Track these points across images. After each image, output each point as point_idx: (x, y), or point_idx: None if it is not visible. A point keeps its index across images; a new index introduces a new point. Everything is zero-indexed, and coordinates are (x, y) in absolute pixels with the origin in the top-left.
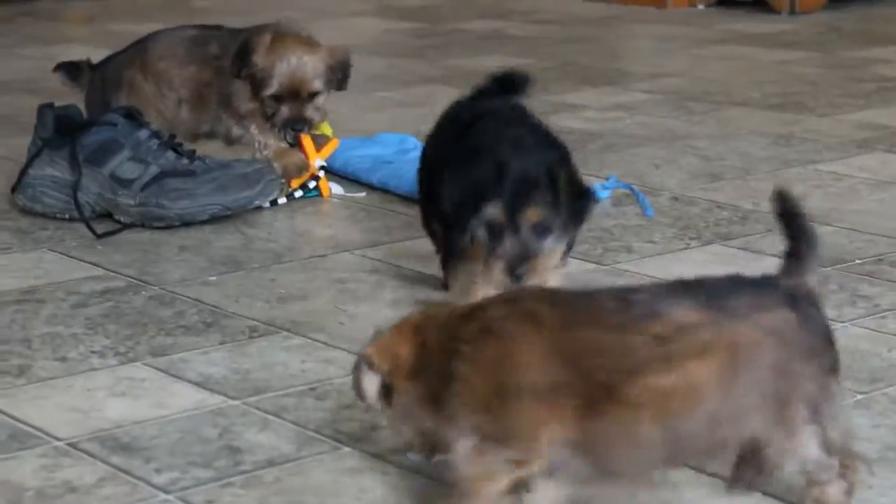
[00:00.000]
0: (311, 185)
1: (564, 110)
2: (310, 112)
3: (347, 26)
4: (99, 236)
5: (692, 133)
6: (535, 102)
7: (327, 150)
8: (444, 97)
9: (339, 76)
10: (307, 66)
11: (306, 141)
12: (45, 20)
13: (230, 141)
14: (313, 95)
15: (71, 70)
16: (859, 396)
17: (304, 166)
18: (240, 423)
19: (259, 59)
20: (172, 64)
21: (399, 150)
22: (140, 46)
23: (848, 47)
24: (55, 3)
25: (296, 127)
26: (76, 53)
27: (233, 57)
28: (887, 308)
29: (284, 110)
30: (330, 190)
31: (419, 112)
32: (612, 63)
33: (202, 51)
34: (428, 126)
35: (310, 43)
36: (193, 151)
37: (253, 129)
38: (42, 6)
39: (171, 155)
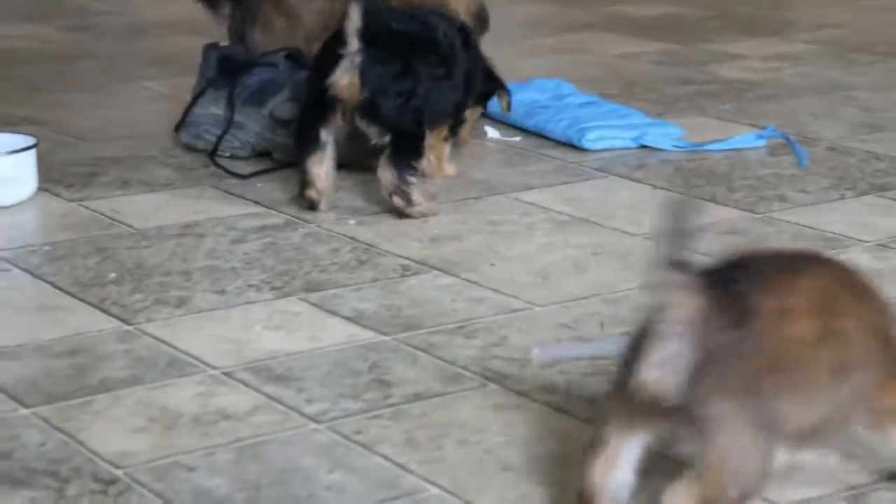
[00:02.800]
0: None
1: (725, 59)
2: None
3: None
4: (244, 177)
5: (853, 84)
6: (694, 51)
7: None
8: (600, 43)
9: (479, 24)
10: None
11: None
12: None
13: None
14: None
15: (211, 1)
16: None
17: None
18: (390, 358)
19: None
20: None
21: (554, 95)
22: None
23: None
24: None
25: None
26: None
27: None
28: None
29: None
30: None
31: (575, 58)
32: (774, 12)
33: None
34: (584, 72)
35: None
36: None
37: None
38: None
39: None
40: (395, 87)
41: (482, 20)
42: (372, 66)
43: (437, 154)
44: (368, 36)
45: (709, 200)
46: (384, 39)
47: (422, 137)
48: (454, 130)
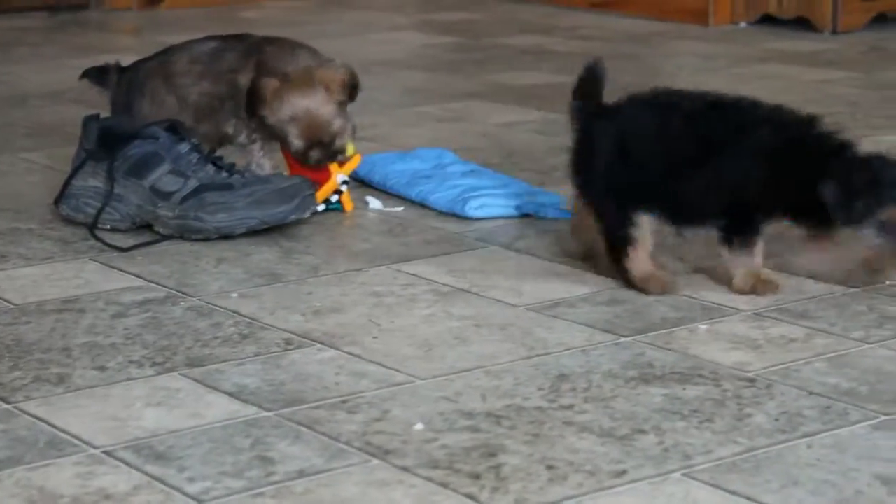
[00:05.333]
0: (334, 198)
1: None
2: (338, 144)
3: (388, 40)
4: (124, 250)
5: None
6: None
7: (350, 165)
8: (482, 112)
9: (351, 97)
10: (323, 112)
11: None
12: (93, 31)
13: (241, 145)
14: (335, 134)
15: (97, 74)
16: (883, 418)
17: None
18: (272, 435)
19: (269, 111)
20: (189, 79)
21: (437, 164)
22: (164, 57)
23: (889, 67)
24: (104, 14)
25: (321, 163)
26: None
27: (245, 103)
28: None
29: (314, 154)
30: (353, 204)
31: (458, 127)
32: (653, 80)
33: (218, 65)
34: (466, 141)
35: (313, 84)
36: (233, 165)
37: (256, 146)
38: (91, 16)
39: (210, 168)
40: None
41: (353, 89)
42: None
43: None
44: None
45: (589, 270)
46: None
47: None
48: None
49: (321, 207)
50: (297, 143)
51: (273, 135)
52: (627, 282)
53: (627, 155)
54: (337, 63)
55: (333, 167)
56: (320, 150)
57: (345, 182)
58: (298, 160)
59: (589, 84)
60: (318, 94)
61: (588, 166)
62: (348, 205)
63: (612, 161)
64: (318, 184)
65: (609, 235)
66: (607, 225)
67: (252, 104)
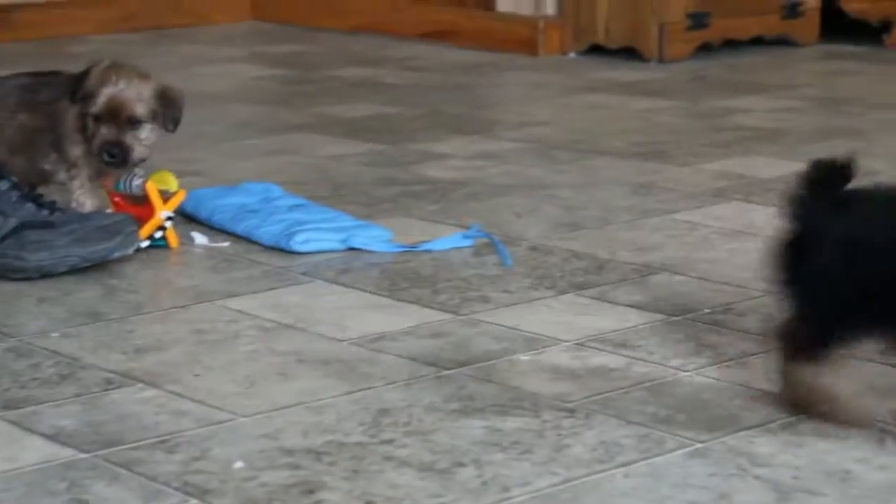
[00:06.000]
0: (158, 235)
1: (430, 159)
2: (129, 139)
3: (219, 73)
4: None
5: (555, 182)
6: (401, 151)
7: (174, 201)
8: (310, 145)
9: (168, 113)
10: (131, 90)
11: (152, 191)
12: None
13: (60, 183)
14: (135, 122)
15: None
16: (698, 445)
17: None
18: (89, 477)
19: (91, 82)
20: (3, 112)
21: (263, 198)
22: None
23: (712, 96)
24: None
25: (112, 152)
26: None
27: (71, 83)
28: (731, 357)
29: (104, 132)
30: (178, 240)
31: (285, 160)
32: (481, 111)
33: (33, 97)
34: (294, 174)
35: (143, 75)
36: (54, 202)
37: (76, 183)
38: None
39: (30, 206)
40: None
41: (173, 110)
42: None
43: None
44: None
45: (413, 303)
46: None
47: None
48: None
49: (145, 244)
50: (95, 107)
51: (84, 164)
52: (798, 396)
53: (861, 263)
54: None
55: (158, 203)
56: (110, 130)
57: (169, 218)
58: (89, 140)
59: (829, 175)
60: (139, 80)
61: (801, 267)
62: (173, 241)
63: (839, 268)
64: (141, 220)
65: (804, 343)
66: (809, 334)
67: (78, 81)
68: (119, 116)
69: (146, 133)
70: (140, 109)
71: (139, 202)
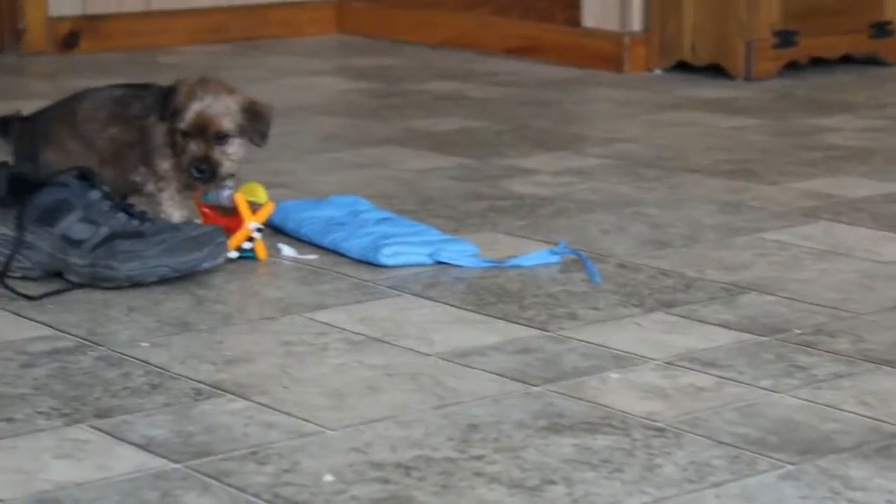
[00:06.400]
0: (246, 246)
1: (517, 174)
2: (217, 154)
3: (306, 85)
4: (34, 298)
5: (642, 199)
6: (488, 166)
7: (263, 213)
8: (397, 159)
9: (256, 128)
10: (218, 105)
11: (241, 202)
12: (7, 74)
13: (149, 194)
14: (222, 137)
15: (1, 124)
16: (790, 467)
17: None
18: (180, 487)
19: (179, 98)
20: (95, 125)
21: (351, 211)
22: (68, 105)
23: (799, 115)
24: (19, 58)
25: (201, 167)
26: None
27: (160, 100)
28: (822, 379)
29: (192, 148)
30: (266, 252)
31: (372, 174)
32: (567, 127)
33: (124, 111)
34: (381, 187)
35: (230, 89)
36: (144, 212)
37: (164, 195)
38: (4, 60)
39: (122, 216)
40: None
41: (261, 124)
42: None
43: None
44: None
45: (500, 318)
46: None
47: None
48: None
49: (234, 255)
50: (183, 122)
51: (172, 177)
52: None
53: None
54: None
55: (246, 214)
56: (198, 145)
57: (258, 230)
58: (178, 155)
59: None
60: (227, 95)
61: None
62: (261, 252)
63: None
64: (230, 231)
65: None
66: None
67: (166, 98)
68: (206, 132)
69: (234, 148)
70: (227, 124)
71: (228, 213)
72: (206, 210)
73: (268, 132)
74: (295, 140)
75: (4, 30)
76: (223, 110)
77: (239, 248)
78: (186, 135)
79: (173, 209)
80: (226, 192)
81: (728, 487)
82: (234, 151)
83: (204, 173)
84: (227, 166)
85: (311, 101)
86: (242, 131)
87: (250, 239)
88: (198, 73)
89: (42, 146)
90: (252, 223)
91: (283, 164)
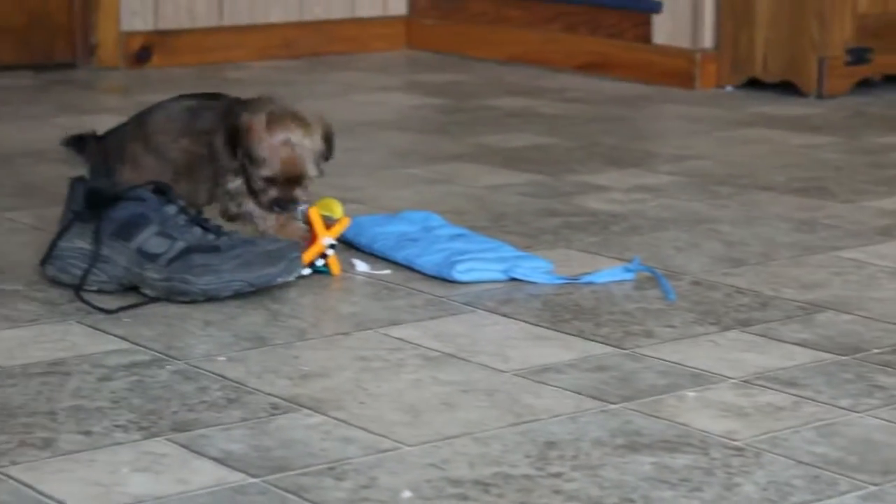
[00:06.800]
0: (320, 263)
1: (589, 191)
2: (299, 193)
3: (374, 101)
4: (111, 312)
5: (716, 217)
6: (560, 182)
7: (337, 228)
8: (469, 175)
9: (327, 153)
10: (304, 151)
11: (315, 217)
12: (80, 89)
13: (229, 217)
14: (306, 178)
15: (76, 143)
16: (872, 488)
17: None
18: (259, 502)
19: (255, 142)
20: (168, 137)
21: (424, 227)
22: (140, 119)
23: (873, 133)
24: (91, 73)
25: (284, 207)
26: (110, 123)
27: (226, 137)
28: None
29: (274, 192)
30: (340, 267)
31: (444, 189)
32: (638, 144)
33: (193, 123)
34: (453, 203)
35: (304, 125)
36: (220, 227)
37: (251, 205)
38: (78, 75)
39: (197, 231)
40: None
41: (328, 141)
42: None
43: None
44: None
45: (575, 335)
46: None
47: None
48: None
49: (307, 272)
50: (269, 171)
51: (247, 177)
52: None
53: None
54: (315, 115)
55: (320, 230)
56: (282, 189)
57: (332, 245)
58: (253, 193)
59: None
60: (307, 136)
61: None
62: (335, 268)
63: None
64: (305, 246)
65: None
66: None
67: (235, 138)
68: (291, 178)
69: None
70: (312, 169)
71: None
72: None
73: (333, 150)
74: (365, 156)
75: (77, 45)
76: (309, 155)
77: (312, 264)
78: (270, 181)
79: (264, 219)
80: (301, 208)
81: None
82: (310, 184)
83: (285, 209)
84: (305, 198)
85: (380, 116)
86: (319, 164)
87: (324, 255)
88: (261, 95)
89: (117, 165)
90: (326, 239)
91: (354, 180)
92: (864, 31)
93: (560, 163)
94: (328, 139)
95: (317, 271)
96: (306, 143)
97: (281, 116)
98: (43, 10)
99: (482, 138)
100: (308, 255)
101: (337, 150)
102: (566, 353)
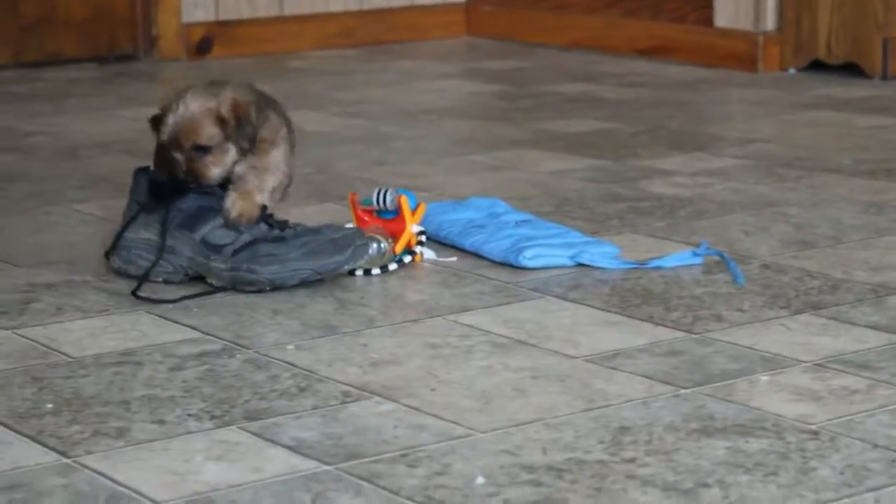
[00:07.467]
0: (407, 259)
1: (654, 175)
2: (208, 165)
3: (436, 88)
4: (174, 301)
5: (783, 200)
6: (624, 167)
7: (418, 214)
8: (531, 160)
9: (239, 133)
10: (191, 118)
11: (405, 205)
12: (143, 81)
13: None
14: (201, 149)
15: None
16: None
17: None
18: (333, 489)
19: (161, 109)
20: None
21: (490, 213)
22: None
23: None
24: (153, 64)
25: (185, 178)
26: None
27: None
28: None
29: (180, 160)
30: (422, 255)
31: (509, 175)
32: (703, 127)
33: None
34: (517, 189)
35: (211, 95)
36: (286, 221)
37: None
38: (140, 67)
39: (262, 226)
40: None
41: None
42: None
43: None
44: None
45: (645, 320)
46: None
47: None
48: None
49: (394, 267)
50: (162, 135)
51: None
52: None
53: None
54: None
55: (408, 218)
56: (183, 158)
57: (422, 233)
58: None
59: None
60: (202, 105)
61: None
62: (417, 256)
63: None
64: (394, 238)
65: None
66: None
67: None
68: (182, 146)
69: (218, 156)
70: (205, 137)
71: (385, 216)
72: (365, 215)
73: (254, 134)
74: (427, 143)
75: (139, 37)
76: (205, 123)
77: (401, 256)
78: (167, 147)
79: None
80: (391, 196)
81: (888, 492)
82: (218, 160)
83: (186, 182)
84: (213, 173)
85: (441, 104)
86: (223, 137)
87: (412, 252)
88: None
89: None
90: (414, 226)
91: (418, 168)
92: None
93: (623, 147)
94: (240, 118)
95: (397, 260)
96: (195, 113)
97: (195, 88)
98: (105, 2)
99: (544, 124)
100: (400, 244)
101: (399, 138)
102: (636, 338)
